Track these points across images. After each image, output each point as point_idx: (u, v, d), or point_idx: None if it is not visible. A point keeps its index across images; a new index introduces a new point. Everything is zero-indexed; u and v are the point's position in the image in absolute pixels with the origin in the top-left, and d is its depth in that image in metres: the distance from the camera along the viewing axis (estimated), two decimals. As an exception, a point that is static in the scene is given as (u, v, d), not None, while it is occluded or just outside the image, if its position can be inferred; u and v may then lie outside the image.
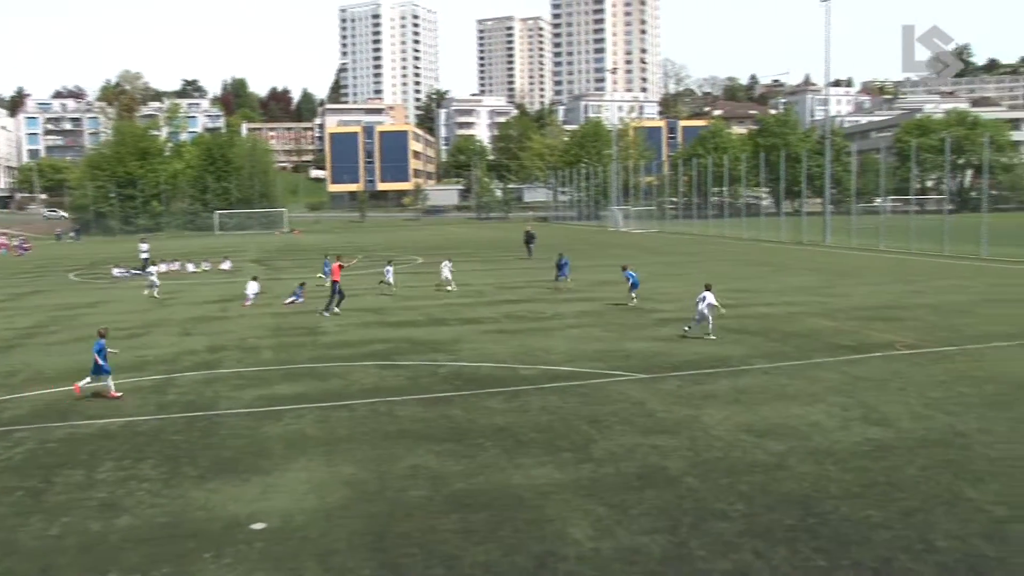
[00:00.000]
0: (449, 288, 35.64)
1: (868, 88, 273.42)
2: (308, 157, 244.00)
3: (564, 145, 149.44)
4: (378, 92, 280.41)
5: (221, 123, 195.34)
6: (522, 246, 56.06)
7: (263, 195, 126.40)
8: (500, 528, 10.85)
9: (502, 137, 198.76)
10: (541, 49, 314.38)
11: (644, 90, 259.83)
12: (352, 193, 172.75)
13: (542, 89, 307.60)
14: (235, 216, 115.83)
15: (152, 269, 40.26)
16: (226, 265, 51.86)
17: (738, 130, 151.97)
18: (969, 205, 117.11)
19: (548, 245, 58.15)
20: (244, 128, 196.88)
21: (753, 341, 23.28)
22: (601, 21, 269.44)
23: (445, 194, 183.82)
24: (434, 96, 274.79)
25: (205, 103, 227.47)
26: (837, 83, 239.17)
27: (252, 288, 34.27)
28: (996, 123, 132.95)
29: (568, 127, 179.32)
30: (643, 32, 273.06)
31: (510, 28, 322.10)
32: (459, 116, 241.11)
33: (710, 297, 23.56)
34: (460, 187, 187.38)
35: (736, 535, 10.52)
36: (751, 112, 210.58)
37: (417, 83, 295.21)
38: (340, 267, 30.26)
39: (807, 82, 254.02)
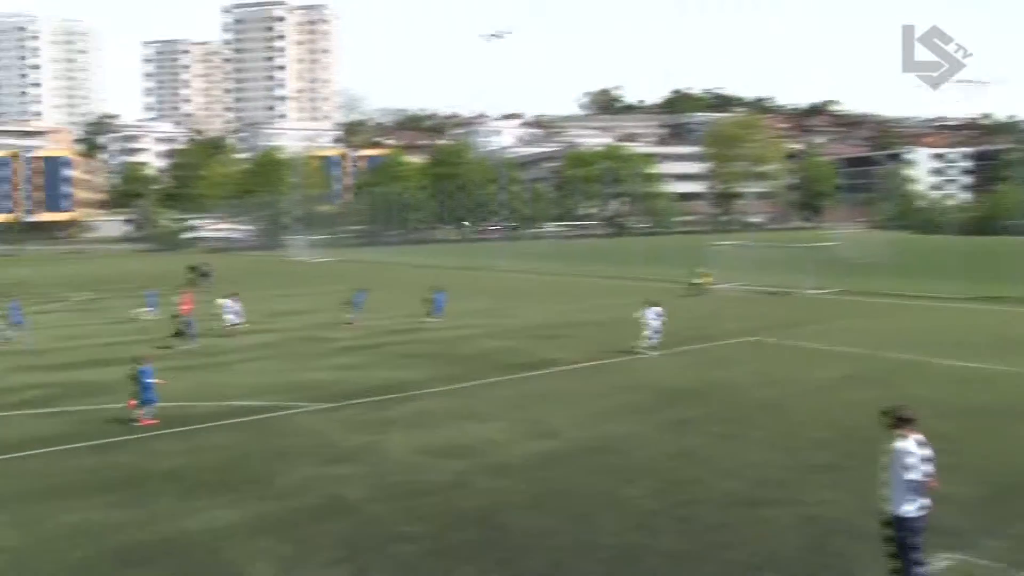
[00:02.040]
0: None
1: (534, 121, 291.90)
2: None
3: (242, 174, 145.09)
4: (34, 114, 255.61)
5: None
6: (197, 278, 53.58)
7: None
8: (174, 577, 10.32)
9: (176, 165, 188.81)
10: (216, 75, 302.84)
11: (322, 119, 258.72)
12: (5, 224, 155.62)
13: (218, 116, 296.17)
14: None
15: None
16: None
17: (415, 160, 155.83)
18: (624, 230, 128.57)
19: (227, 278, 56.02)
20: None
21: (430, 365, 23.99)
22: (277, 49, 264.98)
23: (113, 224, 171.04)
24: (100, 120, 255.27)
25: None
26: (507, 116, 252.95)
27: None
28: (641, 157, 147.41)
29: (246, 155, 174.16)
30: (318, 61, 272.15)
31: (183, 52, 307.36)
32: (128, 142, 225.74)
33: (655, 312, 24.83)
34: (130, 217, 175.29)
35: (420, 556, 10.78)
36: (427, 142, 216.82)
37: (80, 106, 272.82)
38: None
39: (480, 115, 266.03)
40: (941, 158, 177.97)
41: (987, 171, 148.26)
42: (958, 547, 10.55)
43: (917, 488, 8.96)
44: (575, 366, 23.36)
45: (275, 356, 26.26)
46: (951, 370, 22.18)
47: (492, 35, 71.15)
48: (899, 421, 9.20)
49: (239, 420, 17.95)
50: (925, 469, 8.99)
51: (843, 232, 78.55)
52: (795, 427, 16.62)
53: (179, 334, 28.85)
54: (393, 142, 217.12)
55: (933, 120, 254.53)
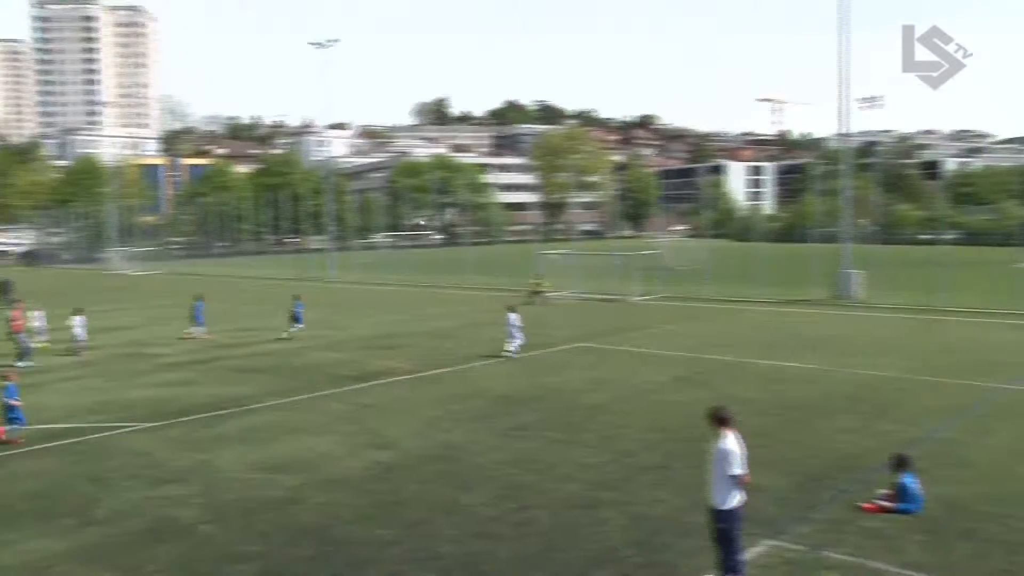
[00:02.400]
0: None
1: (364, 131, 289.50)
2: None
3: (55, 182, 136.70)
4: None
5: None
6: (1, 295, 49.92)
7: None
8: (-15, 614, 9.68)
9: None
10: (24, 76, 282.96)
11: (144, 126, 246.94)
12: None
13: (28, 120, 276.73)
14: None
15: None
16: None
17: (242, 169, 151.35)
18: (455, 239, 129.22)
19: (42, 293, 52.55)
20: None
21: (262, 379, 23.41)
22: (93, 51, 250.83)
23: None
24: None
25: None
26: (337, 126, 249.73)
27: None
28: (472, 167, 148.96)
29: (59, 163, 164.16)
30: (138, 65, 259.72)
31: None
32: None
33: (515, 318, 26.17)
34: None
35: None
36: (254, 152, 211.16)
37: None
38: None
39: (309, 124, 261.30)
40: (753, 170, 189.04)
41: (792, 183, 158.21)
42: (772, 534, 11.31)
43: (737, 482, 9.56)
44: (410, 376, 23.38)
45: (96, 374, 24.90)
46: (767, 369, 23.60)
47: (321, 44, 70.26)
48: (720, 420, 9.77)
49: (58, 443, 16.94)
50: (742, 464, 9.60)
51: (667, 240, 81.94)
52: (625, 429, 17.26)
53: (22, 355, 26.90)
54: (220, 151, 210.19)
55: (745, 135, 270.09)
